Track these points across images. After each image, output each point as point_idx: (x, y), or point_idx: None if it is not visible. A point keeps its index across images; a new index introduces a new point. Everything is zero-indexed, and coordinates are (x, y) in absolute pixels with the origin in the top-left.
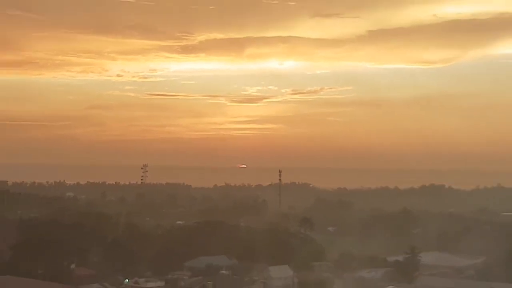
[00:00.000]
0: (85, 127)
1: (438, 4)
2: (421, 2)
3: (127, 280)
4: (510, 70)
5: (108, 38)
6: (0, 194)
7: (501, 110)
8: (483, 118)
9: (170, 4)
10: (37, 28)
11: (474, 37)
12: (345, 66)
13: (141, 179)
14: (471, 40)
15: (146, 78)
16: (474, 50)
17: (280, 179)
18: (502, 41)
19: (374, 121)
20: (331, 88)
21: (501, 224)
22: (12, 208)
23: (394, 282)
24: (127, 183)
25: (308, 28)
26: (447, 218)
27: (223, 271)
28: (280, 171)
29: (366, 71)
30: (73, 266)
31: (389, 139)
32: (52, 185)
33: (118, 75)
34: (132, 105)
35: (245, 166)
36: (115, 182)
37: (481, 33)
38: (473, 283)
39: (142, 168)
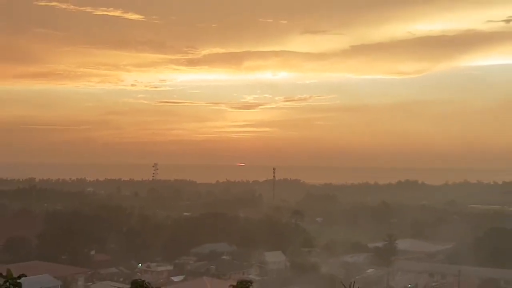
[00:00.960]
0: (103, 130)
1: (412, 22)
2: (397, 20)
3: (140, 264)
4: (474, 80)
5: (123, 52)
6: (29, 190)
7: (466, 115)
8: (451, 122)
9: (177, 22)
10: (60, 44)
11: (443, 51)
12: (331, 77)
13: (152, 176)
14: (440, 54)
15: (156, 87)
16: (443, 62)
17: (274, 176)
18: (467, 55)
19: (356, 125)
20: (318, 96)
21: (468, 215)
22: (39, 201)
23: (374, 266)
24: (140, 179)
25: (298, 43)
26: (420, 210)
27: (225, 256)
28: (274, 169)
29: (349, 81)
30: (92, 252)
31: (369, 141)
32: (74, 181)
33: (132, 85)
34: (144, 111)
35: (243, 164)
36: (130, 179)
37: (449, 47)
38: (443, 266)
39: (153, 167)
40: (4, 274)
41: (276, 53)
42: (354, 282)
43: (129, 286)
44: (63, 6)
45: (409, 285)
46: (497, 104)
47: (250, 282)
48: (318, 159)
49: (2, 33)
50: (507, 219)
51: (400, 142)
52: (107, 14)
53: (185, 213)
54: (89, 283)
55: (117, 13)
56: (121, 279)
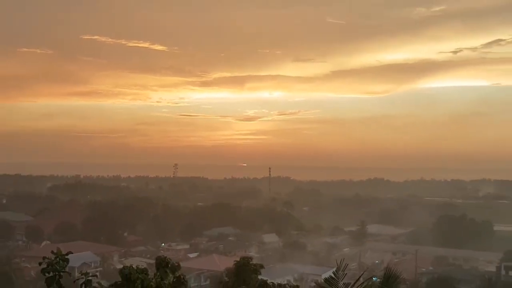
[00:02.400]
0: (134, 137)
1: (379, 52)
2: (368, 51)
3: (163, 244)
4: (428, 99)
5: (150, 76)
6: (75, 184)
7: (422, 126)
8: (410, 131)
9: (193, 52)
10: (101, 69)
11: (404, 76)
12: (315, 96)
13: (173, 174)
14: (402, 78)
15: (177, 103)
16: (404, 84)
17: (269, 174)
18: (423, 79)
19: (335, 133)
20: (305, 111)
21: (424, 205)
22: (83, 194)
23: (349, 245)
24: (163, 176)
25: (290, 69)
26: (386, 201)
27: (230, 238)
28: (269, 168)
29: (330, 99)
30: (125, 234)
31: (345, 146)
32: (111, 178)
33: (157, 102)
34: (167, 122)
35: (245, 164)
36: (155, 176)
37: (409, 73)
38: (404, 246)
39: (174, 166)
40: (55, 251)
41: (272, 77)
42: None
43: (154, 261)
44: (103, 39)
45: (376, 261)
46: (446, 117)
47: (251, 258)
48: (304, 160)
49: (56, 60)
50: (454, 209)
51: (370, 147)
52: (137, 46)
53: (199, 203)
54: (122, 259)
55: (146, 44)
56: (148, 256)
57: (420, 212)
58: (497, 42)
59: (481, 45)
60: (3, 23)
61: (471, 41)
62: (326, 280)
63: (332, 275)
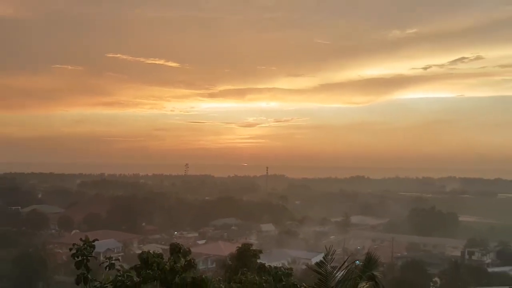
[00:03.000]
0: (151, 141)
1: (361, 68)
2: (351, 67)
3: (176, 232)
4: (402, 108)
5: (165, 88)
6: (100, 181)
7: (397, 131)
8: (386, 135)
9: (202, 69)
10: (123, 83)
11: (381, 88)
12: (305, 105)
13: (185, 172)
14: (380, 90)
15: (187, 112)
16: (382, 96)
17: (267, 172)
18: (398, 91)
19: (323, 138)
20: (297, 118)
21: (398, 199)
22: (107, 189)
23: (335, 233)
24: (176, 174)
25: (284, 83)
26: (366, 196)
27: (233, 227)
28: (267, 168)
29: (318, 108)
30: (143, 224)
31: (331, 148)
32: (131, 176)
33: (171, 110)
34: (179, 129)
35: (246, 164)
36: (169, 174)
37: (386, 86)
38: (382, 234)
39: (185, 166)
40: (83, 239)
41: (268, 89)
42: (332, 246)
43: (168, 247)
44: (125, 57)
45: (359, 247)
46: (417, 124)
47: (251, 244)
48: (297, 161)
49: (85, 75)
50: (424, 202)
51: (352, 149)
52: (154, 62)
53: (207, 197)
54: (140, 245)
55: (161, 62)
56: (163, 243)
57: (395, 205)
58: (461, 59)
59: (448, 62)
60: (40, 44)
61: (439, 59)
62: (317, 263)
63: (322, 259)
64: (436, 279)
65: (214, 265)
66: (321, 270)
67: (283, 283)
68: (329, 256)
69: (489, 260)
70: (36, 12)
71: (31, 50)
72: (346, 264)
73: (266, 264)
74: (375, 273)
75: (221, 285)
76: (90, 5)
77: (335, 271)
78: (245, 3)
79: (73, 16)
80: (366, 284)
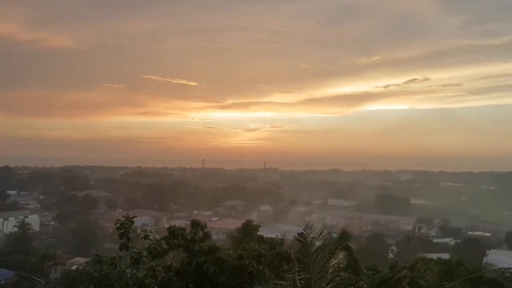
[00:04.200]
0: (176, 142)
1: (336, 87)
2: (329, 85)
3: (195, 211)
4: (367, 117)
5: (187, 102)
6: (138, 172)
7: (363, 135)
8: (355, 138)
9: (215, 87)
10: (155, 97)
11: (352, 102)
12: (294, 115)
13: (202, 166)
14: (351, 103)
15: (204, 120)
16: (352, 108)
17: (264, 166)
18: (364, 104)
19: (307, 140)
20: (288, 125)
21: (365, 187)
22: (142, 178)
23: (316, 213)
24: (195, 167)
25: (277, 97)
26: (340, 184)
27: (239, 207)
28: (264, 162)
29: (303, 117)
30: (170, 204)
31: (313, 148)
32: (161, 168)
33: (192, 118)
34: (197, 132)
35: (249, 160)
36: (190, 167)
37: (356, 100)
38: (352, 213)
39: (202, 161)
40: (125, 216)
41: (265, 102)
42: (310, 221)
43: (190, 222)
44: (156, 78)
45: (334, 223)
46: (379, 129)
47: (252, 220)
48: (287, 157)
49: (126, 92)
50: (384, 189)
51: (329, 148)
52: (179, 82)
53: (219, 185)
54: (168, 221)
55: (184, 81)
56: (185, 219)
57: (362, 191)
58: (413, 80)
59: (403, 82)
60: (92, 68)
61: (396, 80)
62: (298, 234)
63: (302, 231)
64: (393, 247)
65: (224, 236)
66: (301, 239)
67: (277, 250)
68: (308, 229)
69: (433, 233)
70: (89, 43)
71: (85, 72)
72: (324, 235)
73: (264, 236)
74: (350, 244)
75: (229, 251)
76: (131, 38)
77: (314, 240)
78: (248, 38)
79: (117, 46)
80: (341, 252)
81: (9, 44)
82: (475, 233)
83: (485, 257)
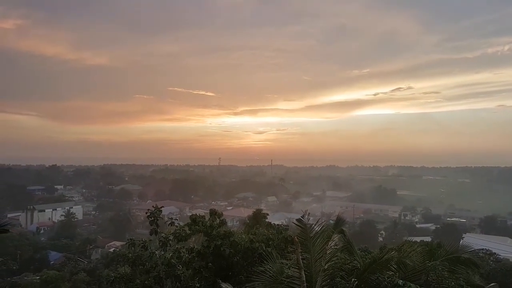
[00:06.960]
0: (197, 143)
1: (332, 95)
2: (325, 94)
3: (213, 202)
4: (359, 121)
5: (206, 109)
6: (164, 169)
7: (356, 135)
8: (349, 139)
9: (229, 96)
10: (178, 106)
11: (345, 108)
12: (297, 120)
13: (218, 163)
14: (344, 109)
15: (220, 124)
16: (346, 113)
17: (271, 163)
18: (356, 109)
19: (307, 140)
20: (291, 128)
21: (358, 180)
22: (169, 174)
23: (316, 203)
24: (213, 164)
25: (282, 105)
26: (337, 178)
27: (250, 198)
28: (271, 160)
29: (304, 122)
30: (192, 196)
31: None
32: (184, 165)
33: (209, 123)
34: (215, 135)
35: (258, 158)
36: (208, 164)
37: (348, 106)
38: (347, 203)
39: (218, 159)
40: (154, 206)
41: (272, 109)
42: (307, 210)
43: (208, 211)
44: (180, 89)
45: (331, 211)
46: (369, 131)
47: (261, 209)
48: (291, 155)
49: (154, 102)
50: (374, 182)
51: (327, 147)
52: (198, 93)
53: (233, 179)
54: (190, 210)
55: (203, 92)
56: (205, 208)
57: (356, 184)
58: (398, 89)
59: (389, 90)
60: (126, 82)
61: (384, 89)
62: (297, 220)
63: (301, 218)
64: (382, 232)
65: (237, 223)
66: (300, 224)
67: (282, 234)
68: (306, 216)
69: (417, 220)
70: (123, 61)
71: (120, 86)
72: (322, 221)
73: (272, 222)
74: (343, 228)
75: (242, 235)
76: (158, 57)
77: (313, 225)
78: (257, 55)
79: (147, 64)
80: (337, 235)
81: (56, 63)
82: (453, 219)
83: (461, 240)
